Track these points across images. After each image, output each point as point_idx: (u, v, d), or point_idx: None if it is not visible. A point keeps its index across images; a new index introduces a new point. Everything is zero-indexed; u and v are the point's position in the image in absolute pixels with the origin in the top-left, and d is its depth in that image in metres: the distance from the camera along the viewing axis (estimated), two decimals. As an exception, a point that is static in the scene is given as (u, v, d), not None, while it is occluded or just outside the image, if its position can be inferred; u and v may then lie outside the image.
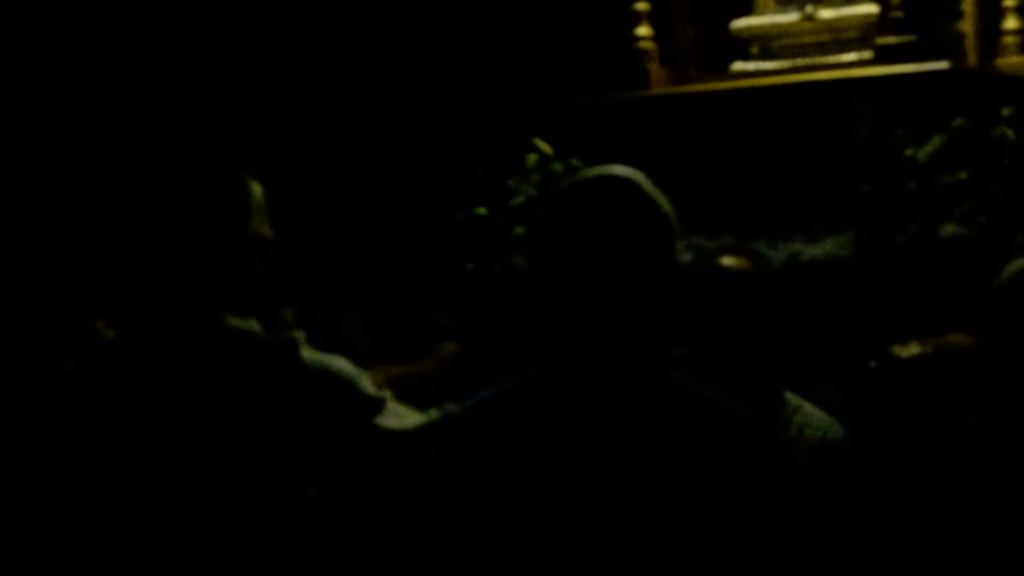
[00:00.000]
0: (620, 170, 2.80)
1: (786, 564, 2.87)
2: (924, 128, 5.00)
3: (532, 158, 5.53)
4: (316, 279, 5.17)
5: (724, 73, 5.79)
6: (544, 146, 5.53)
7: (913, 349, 4.42)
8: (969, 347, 4.28)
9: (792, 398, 3.98)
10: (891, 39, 5.29)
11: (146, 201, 3.75)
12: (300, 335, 3.71)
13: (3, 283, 6.97)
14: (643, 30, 5.73)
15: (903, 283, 4.95)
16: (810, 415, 3.96)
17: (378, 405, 3.65)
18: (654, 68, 5.74)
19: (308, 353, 3.60)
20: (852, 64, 5.48)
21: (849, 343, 4.73)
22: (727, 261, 3.90)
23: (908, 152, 4.97)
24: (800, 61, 5.65)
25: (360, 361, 4.00)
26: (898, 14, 5.28)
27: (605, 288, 2.76)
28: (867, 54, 5.41)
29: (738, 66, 5.78)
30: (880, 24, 5.42)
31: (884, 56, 5.28)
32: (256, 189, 3.67)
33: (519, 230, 5.49)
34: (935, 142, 4.99)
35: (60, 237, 7.40)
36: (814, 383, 4.33)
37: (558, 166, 5.48)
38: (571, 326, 2.79)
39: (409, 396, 4.00)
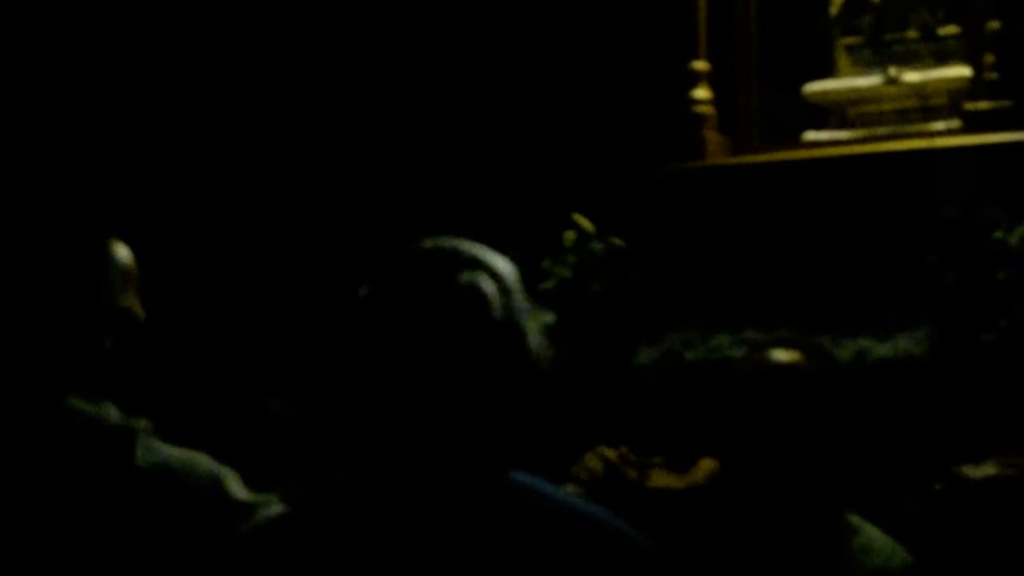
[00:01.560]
0: (449, 242, 2.36)
1: None
2: (1018, 207, 4.75)
3: (570, 236, 5.30)
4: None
5: (793, 143, 5.41)
6: (584, 223, 5.30)
7: (988, 469, 4.34)
8: None
9: (852, 518, 3.34)
10: (983, 105, 5.00)
11: None
12: (145, 424, 3.25)
13: None
14: (701, 92, 5.37)
15: (986, 388, 4.67)
16: (872, 539, 3.31)
17: (245, 512, 3.17)
18: (712, 136, 5.40)
19: (153, 444, 3.23)
20: (939, 133, 5.13)
21: (923, 457, 4.51)
22: (778, 356, 3.31)
23: (998, 235, 4.75)
24: (881, 130, 5.29)
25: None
26: (992, 76, 4.98)
27: (419, 395, 2.34)
28: (956, 123, 5.06)
29: (810, 135, 5.40)
30: (972, 89, 5.11)
31: (975, 124, 4.99)
32: (123, 255, 3.27)
33: (549, 319, 5.24)
34: None
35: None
36: (888, 501, 4.00)
37: (597, 246, 5.31)
38: (387, 432, 2.42)
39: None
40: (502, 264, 2.37)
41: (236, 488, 3.23)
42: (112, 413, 3.20)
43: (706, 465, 4.61)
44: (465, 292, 2.37)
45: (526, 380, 2.41)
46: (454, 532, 2.51)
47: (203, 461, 3.24)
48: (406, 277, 2.42)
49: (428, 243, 2.40)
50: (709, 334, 5.16)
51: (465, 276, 2.37)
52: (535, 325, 2.40)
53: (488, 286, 2.38)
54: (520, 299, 2.39)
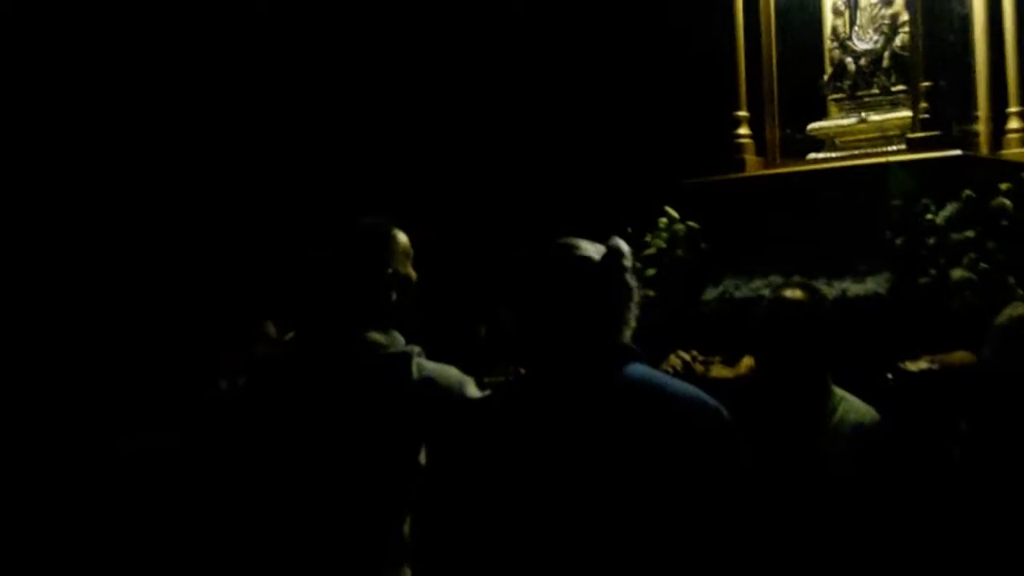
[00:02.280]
0: (568, 240, 3.09)
1: (729, 518, 2.93)
2: (942, 199, 5.23)
3: (663, 221, 5.91)
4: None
5: (802, 161, 5.95)
6: (672, 212, 5.90)
7: (922, 364, 4.78)
8: (969, 364, 4.61)
9: (838, 391, 4.31)
10: (920, 134, 5.41)
11: (318, 249, 3.94)
12: (415, 348, 3.80)
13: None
14: (743, 130, 5.95)
15: (924, 313, 5.14)
16: (852, 404, 4.29)
17: (474, 404, 3.73)
18: (750, 158, 5.96)
19: (421, 362, 3.77)
20: (892, 153, 5.59)
21: (882, 356, 4.91)
22: (790, 293, 4.34)
23: (929, 216, 5.21)
24: (857, 152, 5.78)
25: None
26: (925, 116, 5.42)
27: (563, 320, 3.00)
28: (903, 146, 5.53)
29: (812, 156, 5.95)
30: (912, 125, 5.52)
31: (915, 147, 5.42)
32: (401, 238, 3.90)
33: (651, 272, 5.79)
34: (949, 209, 5.21)
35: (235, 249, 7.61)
36: (861, 385, 4.44)
37: (680, 227, 5.87)
38: (547, 343, 3.03)
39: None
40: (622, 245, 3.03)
41: (472, 389, 3.74)
42: (398, 341, 3.77)
43: (747, 361, 5.02)
44: (605, 253, 3.02)
45: (632, 308, 3.04)
46: (595, 407, 2.97)
47: (452, 372, 3.77)
48: (570, 249, 3.05)
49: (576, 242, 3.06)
50: (749, 279, 5.62)
51: (608, 243, 3.03)
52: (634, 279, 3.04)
53: (601, 252, 3.01)
54: (626, 262, 3.04)
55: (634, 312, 3.04)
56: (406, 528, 3.71)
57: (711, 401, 2.96)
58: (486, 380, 4.24)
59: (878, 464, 4.23)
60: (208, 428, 5.11)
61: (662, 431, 2.90)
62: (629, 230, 5.37)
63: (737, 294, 5.62)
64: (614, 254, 3.03)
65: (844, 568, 4.12)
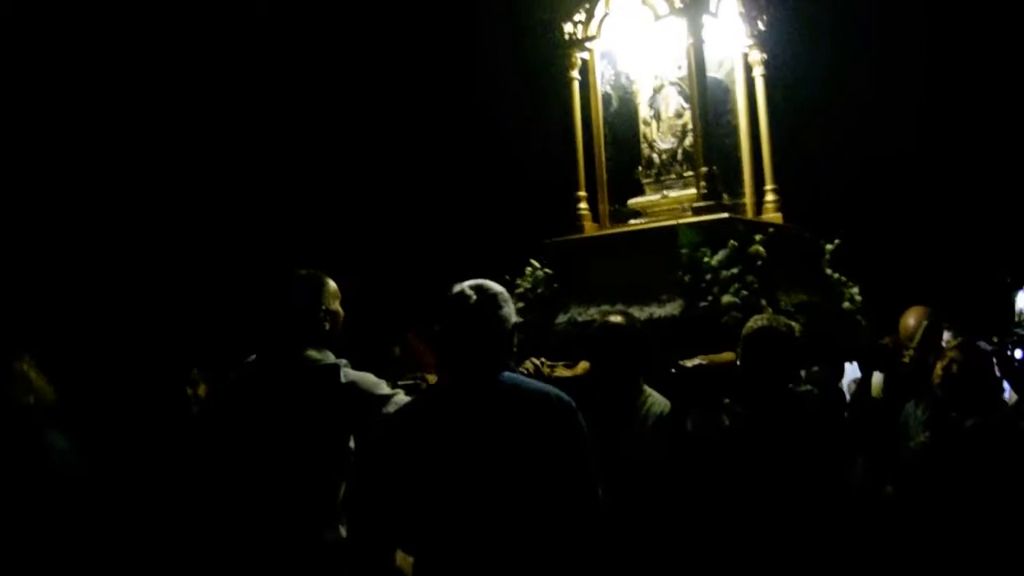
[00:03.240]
0: (478, 279, 3.34)
1: (574, 478, 3.15)
2: (716, 248, 5.50)
3: (528, 269, 6.08)
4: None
5: (624, 224, 6.15)
6: (535, 263, 6.06)
7: (695, 361, 4.87)
8: (732, 361, 4.74)
9: (647, 388, 4.60)
10: (701, 203, 5.76)
11: (270, 290, 4.01)
12: (343, 361, 3.88)
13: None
14: (582, 204, 6.18)
15: (701, 326, 5.36)
16: (656, 398, 4.59)
17: (386, 400, 3.83)
18: (588, 224, 6.17)
19: (346, 371, 3.85)
20: (682, 217, 5.80)
21: (678, 358, 4.99)
22: (611, 318, 4.69)
23: (706, 260, 5.49)
24: (662, 218, 6.02)
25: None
26: (705, 191, 5.76)
27: (465, 337, 3.28)
28: (690, 214, 5.77)
29: (632, 222, 6.17)
30: (697, 198, 5.85)
31: (698, 212, 5.74)
32: (331, 284, 4.02)
33: (520, 304, 5.81)
34: (720, 254, 5.49)
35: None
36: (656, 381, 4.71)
37: (540, 273, 6.04)
38: (445, 356, 3.32)
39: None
40: (497, 288, 3.30)
41: (385, 388, 3.87)
42: (329, 356, 3.88)
43: (583, 365, 4.90)
44: (485, 297, 3.25)
45: (506, 336, 3.27)
46: (479, 403, 3.22)
47: (370, 377, 3.87)
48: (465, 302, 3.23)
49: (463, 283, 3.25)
50: (587, 308, 5.76)
51: (485, 289, 3.27)
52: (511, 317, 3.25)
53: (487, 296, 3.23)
54: (503, 302, 3.28)
55: (511, 336, 3.29)
56: (340, 495, 3.83)
57: (555, 391, 3.28)
58: (398, 383, 4.33)
59: (671, 433, 4.54)
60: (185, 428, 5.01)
61: (526, 414, 3.19)
62: (507, 277, 5.45)
63: (579, 318, 5.72)
64: (489, 297, 3.30)
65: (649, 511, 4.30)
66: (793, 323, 4.70)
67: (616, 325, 4.59)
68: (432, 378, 4.84)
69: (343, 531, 3.77)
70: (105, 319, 6.65)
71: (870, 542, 4.63)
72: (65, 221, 7.06)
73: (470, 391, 3.21)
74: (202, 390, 5.21)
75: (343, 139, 7.80)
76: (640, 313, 5.29)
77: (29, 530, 3.74)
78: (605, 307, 5.44)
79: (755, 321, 4.60)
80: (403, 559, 3.40)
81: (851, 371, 5.82)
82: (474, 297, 3.24)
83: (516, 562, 3.10)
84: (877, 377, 5.20)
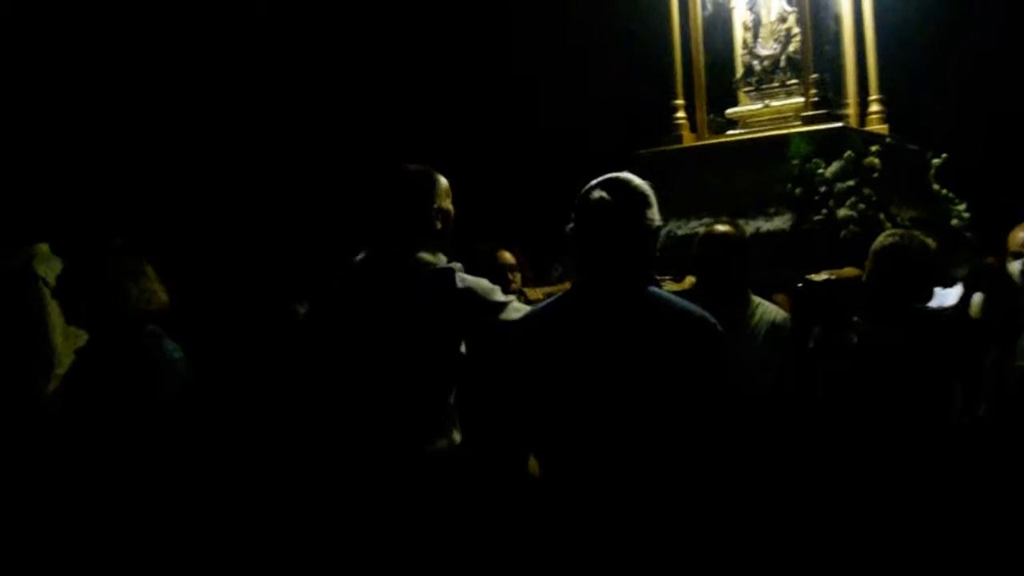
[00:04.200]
0: (618, 174, 3.07)
1: (713, 405, 2.98)
2: (829, 158, 5.39)
3: None
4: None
5: (723, 135, 6.01)
6: (631, 175, 5.72)
7: (823, 276, 4.53)
8: (857, 277, 4.57)
9: (755, 298, 4.49)
10: (812, 112, 5.58)
11: (378, 188, 3.82)
12: (457, 264, 3.76)
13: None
14: (680, 113, 6.00)
15: (818, 242, 5.25)
16: (767, 306, 4.49)
17: (503, 306, 3.71)
18: (686, 134, 6.00)
19: (462, 275, 3.72)
20: (789, 127, 5.68)
21: (791, 273, 4.70)
22: (718, 227, 4.52)
23: (819, 171, 5.37)
24: (761, 129, 5.88)
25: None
26: (815, 100, 5.59)
27: (604, 242, 3.00)
28: (799, 123, 5.65)
29: (730, 132, 6.02)
30: (803, 107, 5.69)
31: (807, 122, 5.58)
32: (443, 180, 3.82)
33: None
34: (835, 166, 5.35)
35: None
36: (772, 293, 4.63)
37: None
38: (584, 263, 3.05)
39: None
40: (643, 184, 3.02)
41: (499, 295, 3.74)
42: (442, 259, 3.76)
43: (689, 279, 4.90)
44: (630, 194, 3.01)
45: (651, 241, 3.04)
46: (623, 315, 3.01)
47: (485, 282, 3.74)
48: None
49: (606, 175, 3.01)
50: (688, 221, 5.63)
51: (632, 182, 3.04)
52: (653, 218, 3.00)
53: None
54: (650, 201, 3.01)
55: (656, 240, 3.05)
56: (452, 400, 3.73)
57: (701, 310, 3.06)
58: (522, 299, 4.21)
59: (790, 347, 4.35)
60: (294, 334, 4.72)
61: (671, 330, 2.99)
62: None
63: (679, 232, 5.58)
64: (636, 196, 3.03)
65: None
66: (927, 239, 4.54)
67: (722, 233, 4.46)
68: (532, 292, 4.75)
69: (457, 437, 3.66)
70: (212, 231, 6.62)
71: (966, 469, 4.35)
72: (177, 135, 7.12)
73: (613, 301, 2.98)
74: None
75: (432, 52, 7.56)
76: (746, 226, 5.09)
77: (146, 438, 3.56)
78: (707, 219, 5.17)
79: (888, 236, 4.43)
80: (534, 465, 3.24)
81: (955, 292, 5.36)
82: (617, 195, 2.98)
83: (648, 480, 2.93)
84: (977, 297, 4.84)
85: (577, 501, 2.96)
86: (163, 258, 3.81)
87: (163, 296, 3.73)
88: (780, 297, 4.74)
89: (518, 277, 4.96)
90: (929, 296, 4.57)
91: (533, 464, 3.23)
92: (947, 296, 5.13)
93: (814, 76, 5.58)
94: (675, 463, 2.94)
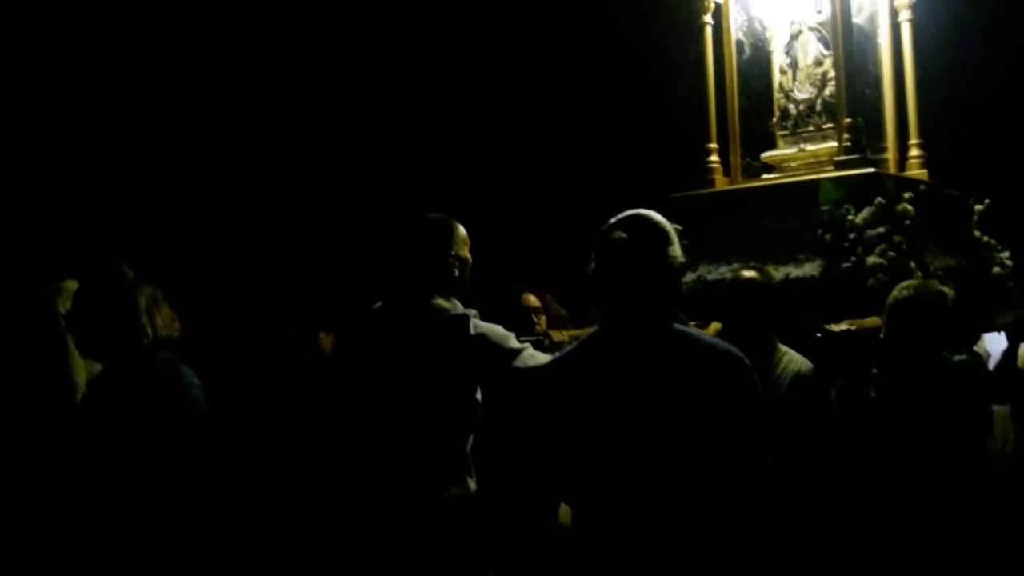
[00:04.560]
0: (638, 211, 3.01)
1: (746, 440, 2.91)
2: (860, 205, 5.28)
3: None
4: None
5: (757, 179, 5.94)
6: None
7: (843, 326, 4.54)
8: (878, 327, 4.48)
9: (782, 346, 4.44)
10: (844, 157, 5.47)
11: (395, 235, 3.86)
12: (472, 312, 3.75)
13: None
14: (713, 157, 5.92)
15: (842, 288, 5.17)
16: (792, 356, 4.43)
17: (517, 353, 3.69)
18: (719, 178, 5.93)
19: (476, 322, 3.71)
20: (823, 171, 5.57)
21: (815, 320, 4.72)
22: (745, 273, 4.51)
23: (850, 217, 5.27)
24: (796, 173, 5.78)
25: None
26: (848, 144, 5.47)
27: (627, 281, 2.94)
28: (831, 168, 5.53)
29: (765, 176, 5.94)
30: (837, 152, 5.56)
31: (841, 167, 5.47)
32: (460, 229, 3.82)
33: None
34: (865, 212, 5.25)
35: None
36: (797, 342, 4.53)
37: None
38: (607, 304, 3.00)
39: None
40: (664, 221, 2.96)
41: (514, 342, 3.73)
42: (457, 306, 3.76)
43: (714, 326, 4.72)
44: (652, 231, 2.94)
45: (675, 279, 2.97)
46: (648, 354, 2.93)
47: (499, 329, 3.75)
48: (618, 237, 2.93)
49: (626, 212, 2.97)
50: (718, 266, 5.56)
51: (653, 219, 2.94)
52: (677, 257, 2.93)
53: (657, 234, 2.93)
54: (672, 238, 2.95)
55: (680, 278, 2.99)
56: (467, 447, 3.72)
57: (728, 346, 2.99)
58: (521, 339, 4.12)
59: (812, 399, 4.32)
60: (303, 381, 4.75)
61: (699, 369, 2.91)
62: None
63: (709, 277, 5.55)
64: (657, 232, 2.96)
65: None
66: (945, 288, 4.42)
67: (750, 279, 4.41)
68: (557, 335, 4.72)
69: (472, 484, 3.66)
70: (227, 266, 6.56)
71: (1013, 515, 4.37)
72: (199, 167, 6.96)
73: (637, 340, 2.92)
74: (327, 341, 4.95)
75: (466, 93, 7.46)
76: (776, 273, 5.07)
77: (167, 463, 3.53)
78: (736, 265, 5.11)
79: (902, 289, 4.31)
80: (565, 513, 3.20)
81: (999, 341, 5.29)
82: (637, 233, 2.91)
83: (679, 522, 2.87)
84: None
85: (613, 546, 2.92)
86: (171, 285, 3.84)
87: (177, 324, 3.75)
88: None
89: (543, 320, 4.97)
90: (951, 346, 4.46)
91: (564, 512, 3.20)
92: (997, 341, 5.09)
93: (848, 120, 5.50)
94: (712, 503, 2.89)
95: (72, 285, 4.17)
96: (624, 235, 2.91)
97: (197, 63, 6.91)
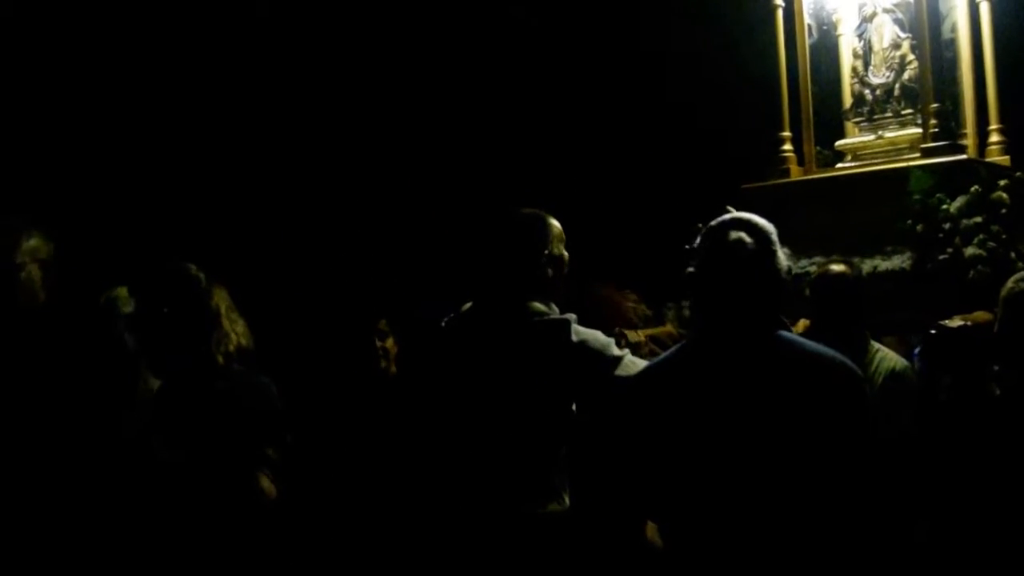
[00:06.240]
0: (741, 214, 2.96)
1: (856, 455, 2.79)
2: (952, 192, 5.10)
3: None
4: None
5: (832, 169, 5.73)
6: (733, 210, 5.54)
7: (957, 322, 4.23)
8: (990, 321, 4.21)
9: (875, 344, 4.28)
10: (932, 144, 5.25)
11: (487, 233, 3.70)
12: (572, 316, 3.60)
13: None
14: (786, 146, 5.70)
15: (942, 284, 4.98)
16: (886, 353, 4.29)
17: (618, 361, 3.53)
18: (793, 167, 5.71)
19: (576, 328, 3.56)
20: (906, 161, 5.38)
21: (909, 319, 4.67)
22: (833, 267, 4.35)
23: (943, 207, 5.08)
24: (874, 162, 5.58)
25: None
26: (935, 130, 5.27)
27: (740, 287, 2.83)
28: (915, 155, 5.34)
29: (840, 165, 5.72)
30: (920, 139, 5.38)
31: (927, 154, 5.26)
32: (556, 225, 3.65)
33: None
34: (960, 201, 5.06)
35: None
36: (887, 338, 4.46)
37: None
38: (712, 310, 2.87)
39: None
40: (769, 225, 2.87)
41: (615, 350, 3.55)
42: (555, 309, 3.59)
43: (802, 323, 4.54)
44: (757, 236, 2.86)
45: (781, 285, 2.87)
46: (752, 365, 2.84)
47: (601, 335, 3.56)
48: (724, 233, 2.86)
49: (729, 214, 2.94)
50: (797, 259, 4.75)
51: (756, 224, 2.87)
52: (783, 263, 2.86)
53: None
54: (777, 243, 2.86)
55: (785, 284, 2.87)
56: (562, 460, 3.55)
57: (839, 356, 2.86)
58: (623, 343, 4.00)
59: (909, 400, 4.07)
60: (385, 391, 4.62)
61: (808, 380, 2.81)
62: (701, 226, 4.96)
63: (795, 269, 5.08)
64: (764, 236, 2.87)
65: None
66: None
67: (840, 273, 4.27)
68: (633, 335, 4.45)
69: (567, 499, 3.48)
70: (292, 264, 6.35)
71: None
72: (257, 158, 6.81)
73: (745, 348, 2.80)
74: (390, 343, 4.79)
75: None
76: (862, 266, 4.86)
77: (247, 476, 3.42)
78: (818, 259, 4.89)
79: (1019, 282, 4.02)
80: (653, 531, 3.06)
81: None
82: (745, 236, 2.81)
83: (782, 541, 2.73)
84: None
85: (710, 568, 2.79)
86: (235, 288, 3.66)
87: (248, 331, 3.59)
88: (889, 339, 4.55)
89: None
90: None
91: (651, 530, 3.04)
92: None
93: (934, 106, 5.27)
94: (817, 526, 2.75)
95: (124, 292, 3.93)
96: (743, 238, 2.82)
97: (243, 64, 6.81)
